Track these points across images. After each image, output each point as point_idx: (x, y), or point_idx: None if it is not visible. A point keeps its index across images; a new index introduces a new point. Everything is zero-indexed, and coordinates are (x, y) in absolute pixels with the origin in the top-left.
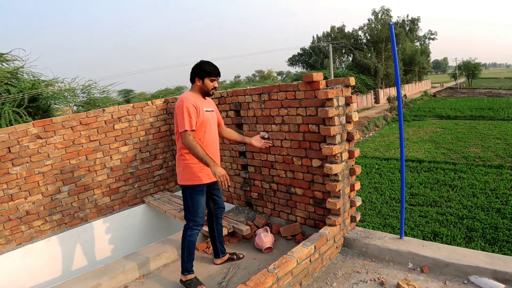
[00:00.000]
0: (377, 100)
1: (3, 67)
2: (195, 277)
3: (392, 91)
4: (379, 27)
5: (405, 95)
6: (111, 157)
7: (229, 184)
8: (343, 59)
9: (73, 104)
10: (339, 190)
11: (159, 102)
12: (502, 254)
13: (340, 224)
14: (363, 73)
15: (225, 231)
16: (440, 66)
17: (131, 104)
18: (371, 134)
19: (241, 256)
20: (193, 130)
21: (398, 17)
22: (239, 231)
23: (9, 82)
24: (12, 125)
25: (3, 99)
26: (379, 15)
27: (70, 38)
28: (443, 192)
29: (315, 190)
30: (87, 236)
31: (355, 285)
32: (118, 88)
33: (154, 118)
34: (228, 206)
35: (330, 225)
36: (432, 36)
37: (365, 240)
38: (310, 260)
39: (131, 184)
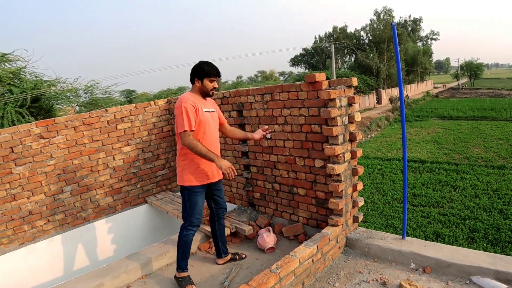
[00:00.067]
0: (379, 101)
1: (5, 67)
2: (188, 275)
3: (394, 92)
4: (381, 27)
5: (407, 95)
6: (113, 157)
7: (236, 174)
8: (345, 60)
9: (76, 104)
10: (342, 191)
11: (161, 102)
12: (504, 254)
13: (342, 224)
14: (365, 74)
15: (227, 231)
16: (442, 66)
17: (134, 105)
18: (373, 135)
19: (244, 256)
20: (192, 130)
21: (400, 17)
22: (241, 231)
23: (12, 82)
24: (14, 125)
25: (5, 99)
26: (381, 15)
27: (71, 38)
28: (445, 193)
29: (317, 190)
30: (90, 236)
31: (357, 285)
32: (121, 89)
33: (157, 118)
34: (230, 206)
35: (332, 225)
36: (434, 37)
37: (367, 240)
38: (312, 260)
39: (133, 184)
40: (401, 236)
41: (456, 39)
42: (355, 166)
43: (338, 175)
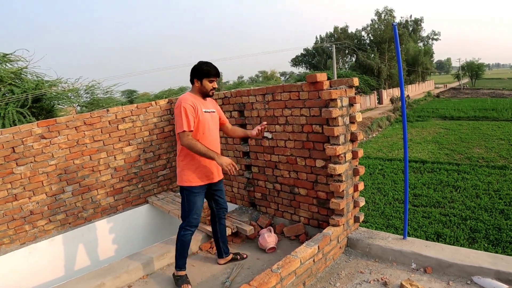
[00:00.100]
0: (380, 101)
1: (7, 67)
2: (185, 274)
3: (396, 92)
4: (382, 27)
5: (408, 95)
6: (115, 157)
7: (237, 169)
8: (346, 60)
9: (77, 104)
10: (343, 191)
11: (162, 102)
12: (506, 255)
13: (343, 224)
14: (366, 74)
15: (228, 231)
16: (443, 66)
17: (135, 105)
18: (374, 135)
19: (245, 256)
20: (191, 131)
21: (401, 17)
22: (242, 231)
23: (13, 83)
24: (15, 125)
25: (7, 99)
26: (382, 15)
27: (71, 38)
28: (447, 193)
29: (318, 191)
30: (91, 236)
31: (358, 285)
32: (122, 89)
33: (158, 118)
34: (231, 206)
35: (333, 226)
36: (435, 37)
37: (368, 240)
38: (313, 260)
39: (134, 184)
40: (402, 236)
41: (457, 39)
42: (356, 166)
43: (339, 175)
